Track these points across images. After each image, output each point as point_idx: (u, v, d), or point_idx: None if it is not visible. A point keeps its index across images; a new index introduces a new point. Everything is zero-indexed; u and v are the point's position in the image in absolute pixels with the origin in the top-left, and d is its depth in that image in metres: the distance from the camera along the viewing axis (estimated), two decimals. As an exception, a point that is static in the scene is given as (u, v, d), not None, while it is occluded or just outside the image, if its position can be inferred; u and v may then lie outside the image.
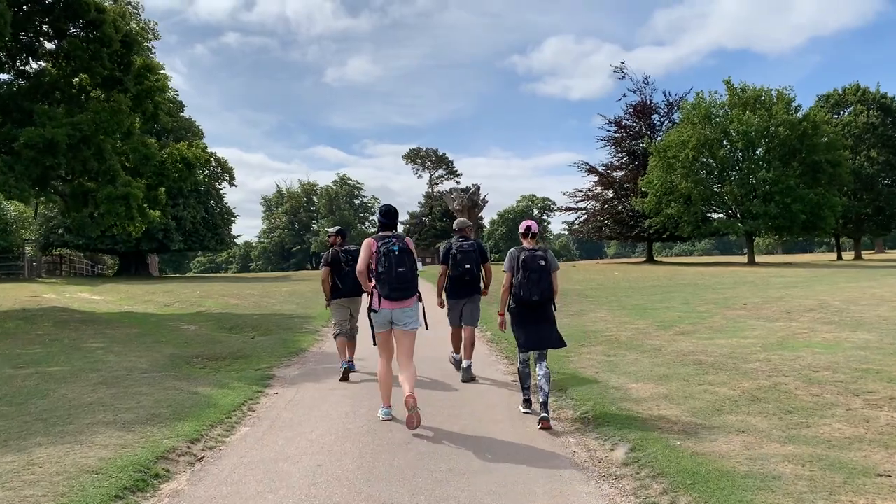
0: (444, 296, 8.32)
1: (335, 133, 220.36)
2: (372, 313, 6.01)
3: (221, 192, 50.43)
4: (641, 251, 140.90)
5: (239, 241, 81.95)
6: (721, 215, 46.59)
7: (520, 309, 6.12)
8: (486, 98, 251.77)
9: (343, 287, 8.45)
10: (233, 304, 20.01)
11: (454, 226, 8.60)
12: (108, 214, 15.51)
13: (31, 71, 18.29)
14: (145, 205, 19.31)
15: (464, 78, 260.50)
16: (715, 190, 44.07)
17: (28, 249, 41.42)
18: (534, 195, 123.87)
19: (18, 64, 18.31)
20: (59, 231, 41.48)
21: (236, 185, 51.04)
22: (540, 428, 5.67)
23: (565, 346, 6.40)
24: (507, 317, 6.44)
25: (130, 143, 17.23)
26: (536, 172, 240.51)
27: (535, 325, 6.12)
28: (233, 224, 51.44)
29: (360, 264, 6.03)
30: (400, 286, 5.81)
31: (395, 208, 6.27)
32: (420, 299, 6.10)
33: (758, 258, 57.80)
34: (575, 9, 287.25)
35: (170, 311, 18.57)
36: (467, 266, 7.93)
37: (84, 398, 6.77)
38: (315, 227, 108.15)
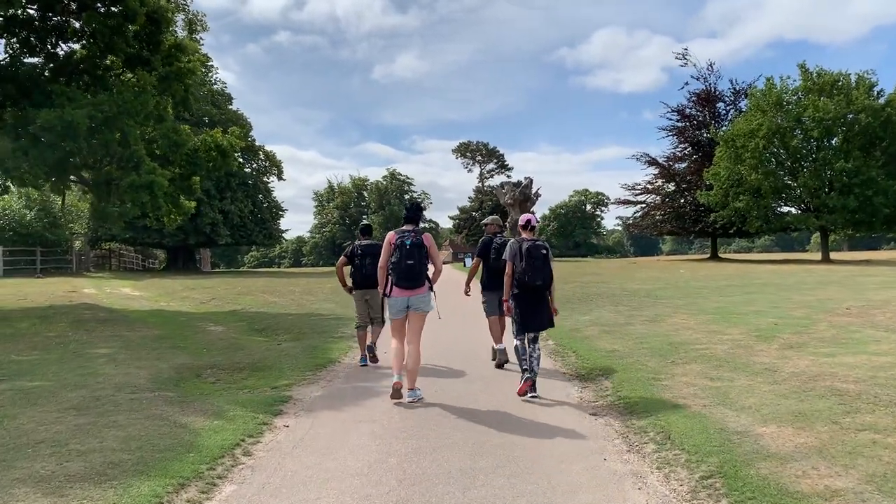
0: (470, 285, 9.03)
1: (385, 129, 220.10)
2: (385, 298, 6.75)
3: (269, 185, 49.66)
4: (698, 248, 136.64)
5: (289, 235, 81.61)
6: (792, 209, 43.57)
7: (522, 294, 6.68)
8: (535, 92, 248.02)
9: (354, 279, 8.85)
10: (270, 302, 18.66)
11: (486, 221, 9.16)
12: (131, 205, 14.22)
13: (61, 54, 17.25)
14: (180, 194, 18.08)
15: (512, 72, 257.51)
16: (787, 182, 41.03)
17: (77, 243, 41.20)
18: (587, 190, 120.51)
19: (49, 47, 17.27)
20: (106, 224, 41.11)
21: (284, 180, 50.20)
22: (520, 396, 6.54)
23: (553, 326, 7.04)
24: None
25: (160, 129, 15.94)
26: (587, 167, 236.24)
27: (534, 309, 6.70)
28: (281, 218, 50.61)
29: (381, 259, 6.76)
30: (408, 276, 6.48)
31: (417, 203, 7.06)
32: (431, 289, 6.71)
33: (806, 255, 54.31)
34: (623, 1, 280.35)
35: (203, 310, 17.32)
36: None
37: (39, 432, 5.26)
38: (365, 222, 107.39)
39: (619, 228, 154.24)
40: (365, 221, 9.92)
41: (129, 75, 15.98)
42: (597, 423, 5.68)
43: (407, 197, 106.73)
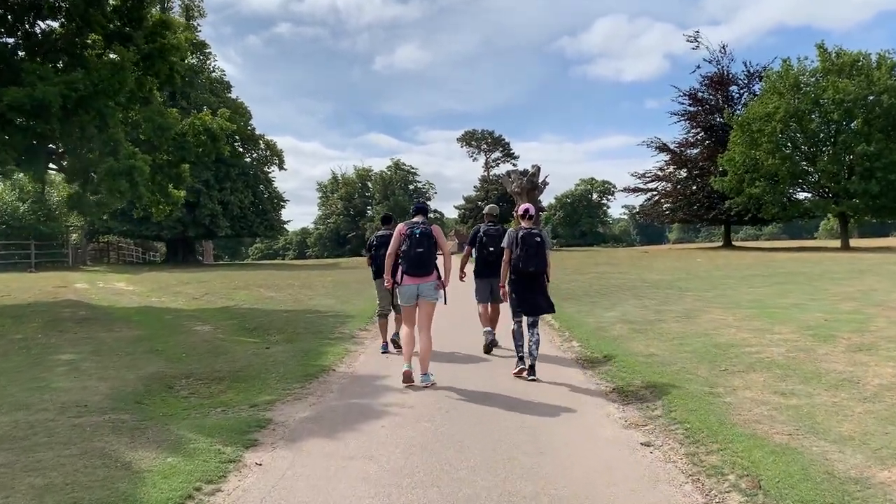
0: (466, 270, 9.14)
1: (387, 120, 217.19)
2: (397, 286, 7.11)
3: (270, 175, 48.37)
4: (706, 235, 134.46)
5: (291, 226, 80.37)
6: (808, 195, 42.07)
7: (518, 279, 7.02)
8: (537, 82, 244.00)
9: (373, 268, 9.05)
10: (266, 298, 17.45)
11: (484, 211, 9.46)
12: (108, 192, 12.98)
13: (38, 33, 16.03)
14: (169, 183, 16.89)
15: (513, 62, 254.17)
16: (804, 168, 39.54)
17: (74, 237, 40.07)
18: (593, 178, 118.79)
19: (27, 26, 16.06)
20: (104, 217, 39.93)
21: (286, 169, 48.84)
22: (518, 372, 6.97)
23: (554, 311, 7.33)
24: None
25: (144, 112, 14.71)
26: (589, 156, 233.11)
27: (530, 293, 7.00)
28: (282, 209, 49.29)
29: (391, 248, 7.11)
30: (417, 264, 6.82)
31: (423, 203, 7.57)
32: (440, 277, 7.03)
33: (834, 242, 52.76)
34: None
35: (194, 306, 16.16)
36: (490, 248, 8.53)
37: (-65, 478, 4.08)
38: (370, 212, 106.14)
39: (626, 217, 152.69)
40: (387, 212, 10.21)
41: (113, 56, 14.74)
42: (653, 457, 4.46)
43: (411, 187, 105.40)
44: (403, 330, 7.13)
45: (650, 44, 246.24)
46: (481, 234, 8.80)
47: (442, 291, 7.08)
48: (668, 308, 12.16)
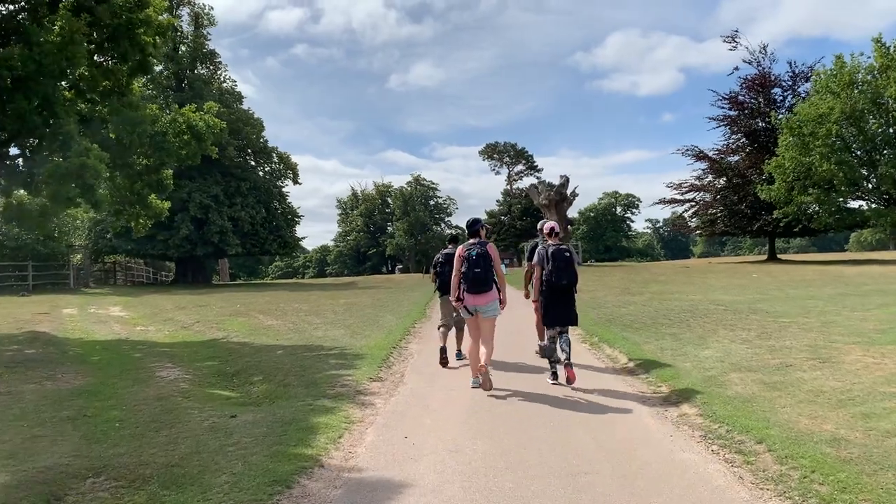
0: (530, 288, 9.33)
1: (404, 137, 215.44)
2: (460, 302, 7.67)
3: (284, 190, 45.81)
4: (731, 249, 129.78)
5: (311, 244, 77.90)
6: (863, 203, 38.58)
7: (551, 293, 7.63)
8: (552, 97, 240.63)
9: (438, 283, 9.61)
10: (264, 328, 14.62)
11: (539, 226, 9.49)
12: (53, 200, 10.26)
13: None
14: (148, 191, 14.21)
15: (527, 78, 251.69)
16: (862, 173, 36.08)
17: (77, 257, 37.75)
18: (616, 192, 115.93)
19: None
20: (108, 236, 37.64)
21: (300, 184, 46.05)
22: (567, 379, 7.39)
23: (577, 325, 8.00)
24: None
25: (111, 104, 12.05)
26: (607, 171, 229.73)
27: (562, 306, 7.63)
28: (297, 225, 46.60)
29: (455, 270, 7.71)
30: (475, 283, 7.43)
31: (472, 220, 7.83)
32: (500, 291, 7.61)
33: (872, 255, 49.43)
34: (636, 2, 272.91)
35: (178, 338, 13.48)
36: None
37: None
38: (390, 229, 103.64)
39: (649, 231, 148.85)
40: (454, 233, 10.70)
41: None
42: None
43: (432, 203, 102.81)
44: (470, 345, 7.77)
45: (664, 57, 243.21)
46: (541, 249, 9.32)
47: (498, 305, 7.61)
48: (781, 344, 9.09)
